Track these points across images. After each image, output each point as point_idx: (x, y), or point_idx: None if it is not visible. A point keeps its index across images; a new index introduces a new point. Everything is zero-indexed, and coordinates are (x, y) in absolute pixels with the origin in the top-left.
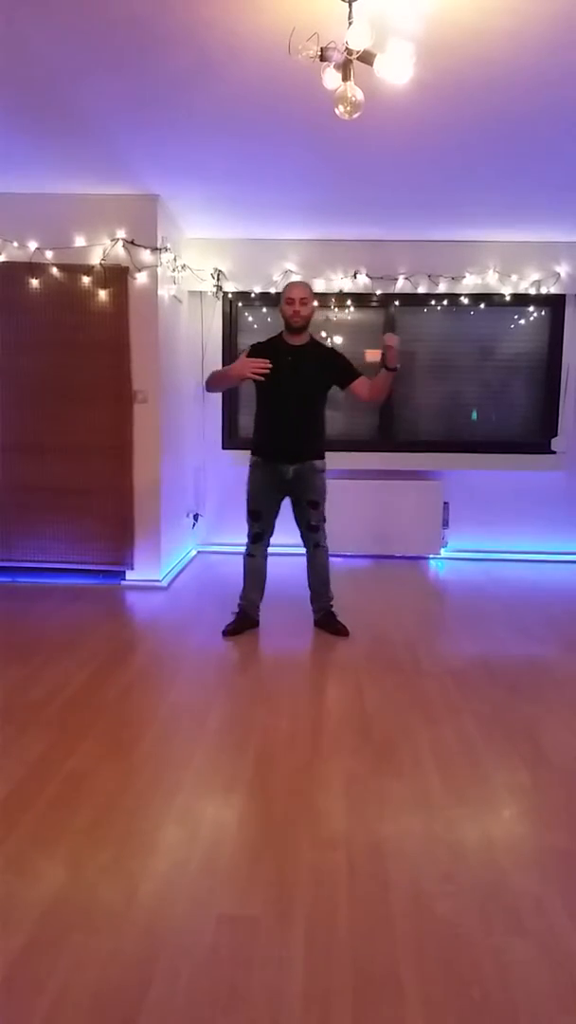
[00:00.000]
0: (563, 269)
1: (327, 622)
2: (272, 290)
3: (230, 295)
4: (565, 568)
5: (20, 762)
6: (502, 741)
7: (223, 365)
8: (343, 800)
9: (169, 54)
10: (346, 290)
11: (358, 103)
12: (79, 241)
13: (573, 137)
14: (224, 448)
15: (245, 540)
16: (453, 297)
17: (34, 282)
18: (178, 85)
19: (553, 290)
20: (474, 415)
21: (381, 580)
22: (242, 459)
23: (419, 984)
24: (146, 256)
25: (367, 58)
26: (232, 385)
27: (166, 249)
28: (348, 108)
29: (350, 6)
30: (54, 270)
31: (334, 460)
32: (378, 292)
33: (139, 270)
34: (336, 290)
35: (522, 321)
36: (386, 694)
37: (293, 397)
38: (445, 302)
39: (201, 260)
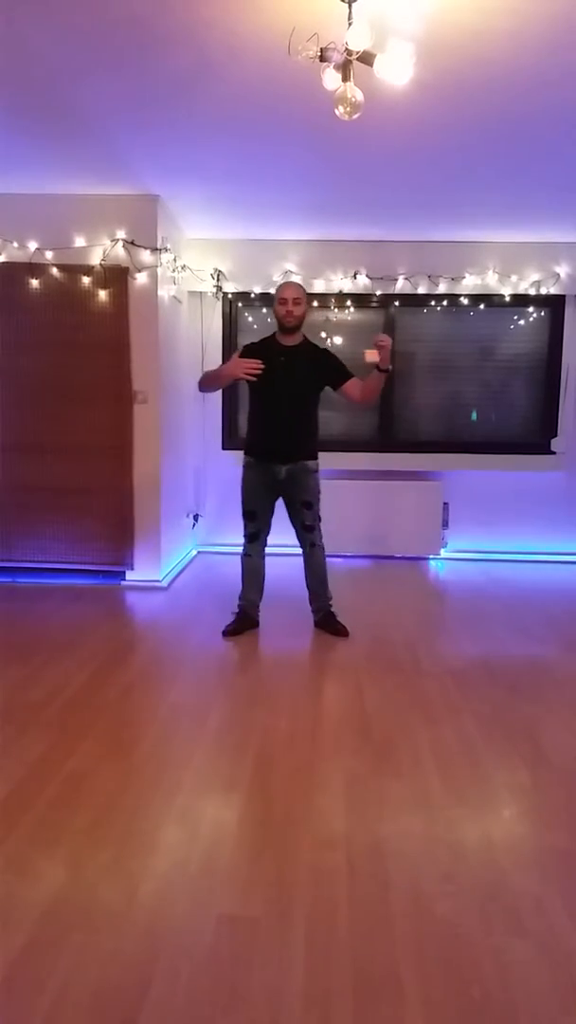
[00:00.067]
0: (563, 270)
1: (327, 622)
2: (272, 291)
3: (230, 295)
4: (565, 568)
5: (20, 762)
6: (502, 741)
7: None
8: (343, 800)
9: (169, 54)
10: (346, 290)
11: (358, 104)
12: (79, 241)
13: (573, 138)
14: (224, 448)
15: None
16: (453, 298)
17: (34, 282)
18: (178, 85)
19: (553, 291)
20: (474, 416)
21: (381, 580)
22: (242, 459)
23: (419, 984)
24: (146, 256)
25: (367, 59)
26: (224, 385)
27: (166, 249)
28: (348, 109)
29: (350, 7)
30: (54, 270)
31: (334, 460)
32: (378, 292)
33: (139, 270)
34: (336, 290)
35: (522, 322)
36: (386, 694)
37: (286, 397)
38: (445, 303)
39: (201, 260)
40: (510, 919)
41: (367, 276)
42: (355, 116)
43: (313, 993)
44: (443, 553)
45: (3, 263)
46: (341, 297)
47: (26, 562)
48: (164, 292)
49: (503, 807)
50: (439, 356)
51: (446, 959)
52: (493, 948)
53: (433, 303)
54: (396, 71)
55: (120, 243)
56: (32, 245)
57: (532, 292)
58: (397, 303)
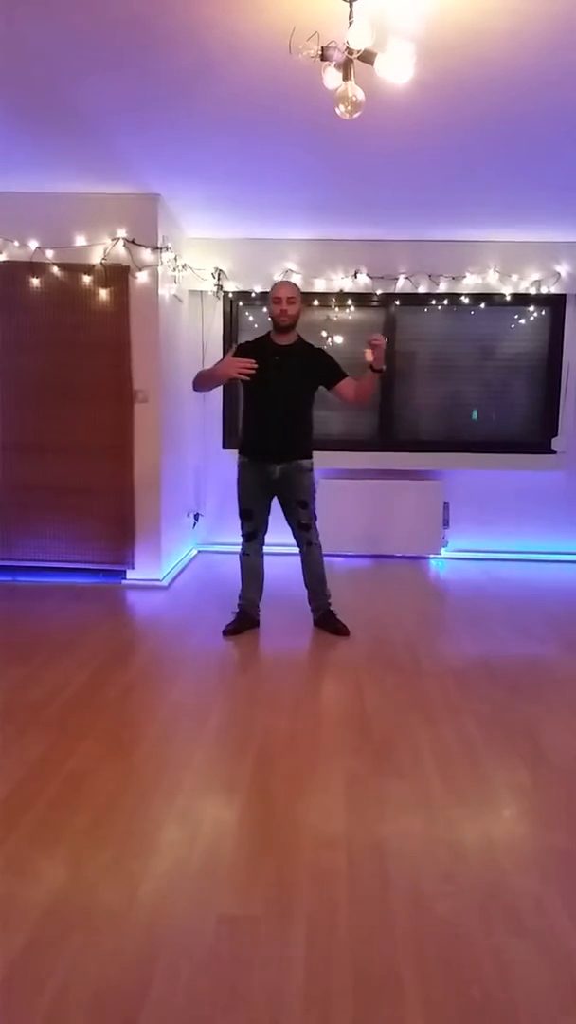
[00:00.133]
0: (563, 269)
1: (327, 621)
2: None
3: (231, 294)
4: (566, 568)
5: (20, 762)
6: (502, 741)
7: None
8: (343, 800)
9: (170, 54)
10: (346, 290)
11: (359, 103)
12: (80, 240)
13: (573, 137)
14: (224, 447)
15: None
16: (453, 297)
17: (35, 281)
18: (179, 85)
19: (553, 290)
20: (474, 415)
21: (381, 580)
22: None
23: (419, 984)
24: (147, 255)
25: (368, 58)
26: (219, 384)
27: (167, 248)
28: (349, 108)
29: (351, 6)
30: (55, 269)
31: (335, 460)
32: (378, 292)
33: (140, 269)
34: (336, 290)
35: (522, 321)
36: (386, 694)
37: (280, 397)
38: (445, 302)
39: (202, 259)
40: (510, 919)
41: (368, 275)
42: (356, 115)
43: (313, 993)
44: (443, 552)
45: (4, 262)
46: (342, 296)
47: (26, 561)
48: (165, 291)
49: (503, 807)
50: (440, 355)
51: (446, 959)
52: (493, 948)
53: (434, 302)
54: (397, 70)
55: (121, 242)
56: (33, 244)
57: (533, 291)
58: (398, 302)
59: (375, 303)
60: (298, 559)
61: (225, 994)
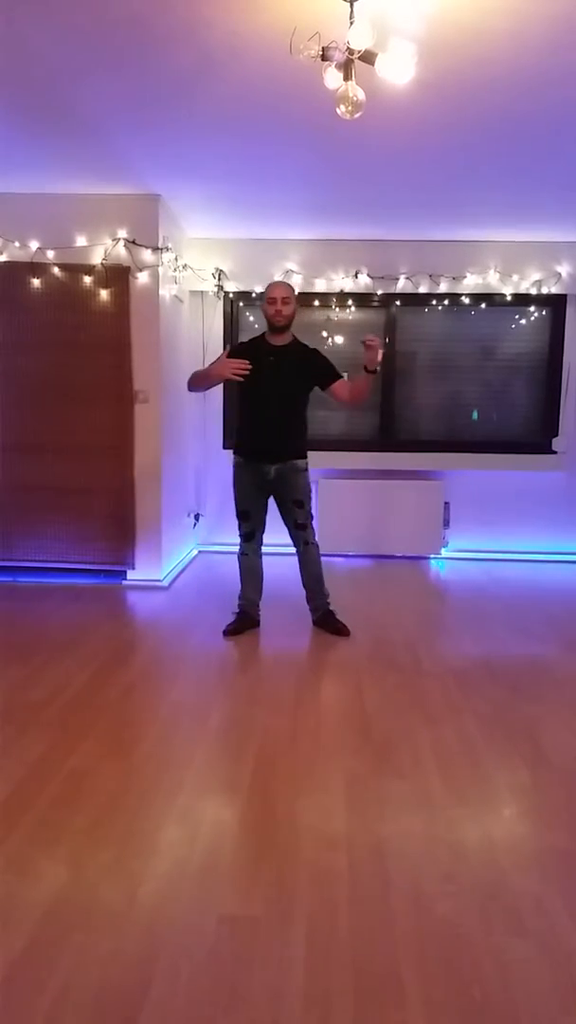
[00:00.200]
0: (564, 269)
1: (327, 621)
2: None
3: (231, 295)
4: (566, 568)
5: (21, 762)
6: (503, 741)
7: None
8: (344, 800)
9: (170, 54)
10: (347, 290)
11: (359, 103)
12: (80, 241)
13: (574, 137)
14: (225, 448)
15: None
16: (454, 297)
17: (35, 282)
18: (179, 85)
19: (554, 290)
20: (475, 415)
21: (382, 580)
22: None
23: (420, 984)
24: (147, 256)
25: (368, 58)
26: (213, 385)
27: (167, 249)
28: (349, 108)
29: (351, 6)
30: (55, 270)
31: (335, 460)
32: (379, 292)
33: (140, 270)
34: (337, 290)
35: (523, 321)
36: (387, 694)
37: (274, 397)
38: (446, 302)
39: (202, 260)
40: (511, 919)
41: (368, 275)
42: (357, 115)
43: (314, 993)
44: (444, 553)
45: (5, 263)
46: (342, 296)
47: (27, 561)
48: (165, 291)
49: (504, 807)
50: (440, 355)
51: (447, 959)
52: (494, 948)
53: (434, 302)
54: (398, 70)
55: (121, 242)
56: (33, 245)
57: (533, 291)
58: (398, 302)
59: (376, 303)
60: (296, 559)
61: (225, 994)
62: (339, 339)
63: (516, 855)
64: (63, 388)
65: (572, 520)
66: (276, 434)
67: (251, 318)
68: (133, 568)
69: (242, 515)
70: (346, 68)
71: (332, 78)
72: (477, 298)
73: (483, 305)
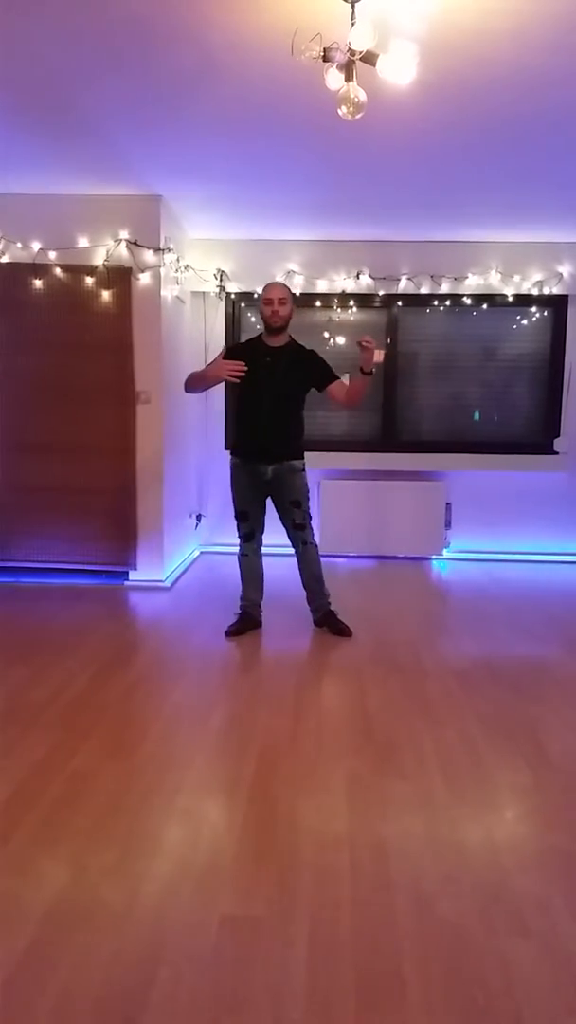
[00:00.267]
0: (566, 269)
1: (328, 621)
2: None
3: (233, 295)
4: (568, 569)
5: (23, 762)
6: (504, 741)
7: None
8: (345, 800)
9: (171, 54)
10: (349, 291)
11: (361, 104)
12: (82, 242)
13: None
14: (227, 448)
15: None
16: (456, 298)
17: (37, 283)
18: (180, 85)
19: (556, 291)
20: (476, 416)
21: (383, 581)
22: None
23: (422, 985)
24: (149, 257)
25: (370, 59)
26: (209, 386)
27: (169, 250)
28: (351, 109)
29: (353, 7)
30: (57, 271)
31: (337, 461)
32: (381, 293)
33: (142, 271)
34: (339, 291)
35: (524, 321)
36: (388, 694)
37: (271, 398)
38: (448, 302)
39: (204, 260)
40: (513, 920)
41: (370, 276)
42: (358, 116)
43: (316, 994)
44: (446, 553)
45: (7, 263)
46: (344, 297)
47: (29, 562)
48: (167, 292)
49: (505, 807)
50: (442, 356)
51: (449, 959)
52: (496, 949)
53: (436, 303)
54: (399, 71)
55: (123, 243)
56: (35, 245)
57: (535, 292)
58: (400, 303)
59: (377, 304)
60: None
61: (227, 994)
62: (341, 340)
63: (518, 855)
64: (65, 389)
65: (574, 521)
66: (273, 435)
67: (253, 319)
68: (135, 569)
69: (240, 516)
70: (347, 69)
71: (333, 79)
72: (479, 299)
73: (485, 306)
